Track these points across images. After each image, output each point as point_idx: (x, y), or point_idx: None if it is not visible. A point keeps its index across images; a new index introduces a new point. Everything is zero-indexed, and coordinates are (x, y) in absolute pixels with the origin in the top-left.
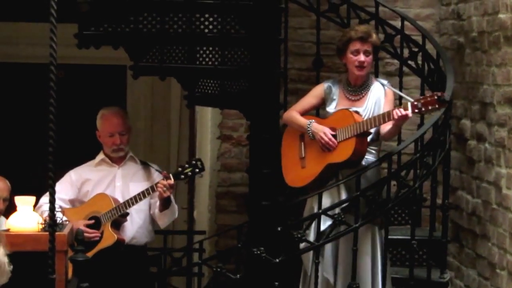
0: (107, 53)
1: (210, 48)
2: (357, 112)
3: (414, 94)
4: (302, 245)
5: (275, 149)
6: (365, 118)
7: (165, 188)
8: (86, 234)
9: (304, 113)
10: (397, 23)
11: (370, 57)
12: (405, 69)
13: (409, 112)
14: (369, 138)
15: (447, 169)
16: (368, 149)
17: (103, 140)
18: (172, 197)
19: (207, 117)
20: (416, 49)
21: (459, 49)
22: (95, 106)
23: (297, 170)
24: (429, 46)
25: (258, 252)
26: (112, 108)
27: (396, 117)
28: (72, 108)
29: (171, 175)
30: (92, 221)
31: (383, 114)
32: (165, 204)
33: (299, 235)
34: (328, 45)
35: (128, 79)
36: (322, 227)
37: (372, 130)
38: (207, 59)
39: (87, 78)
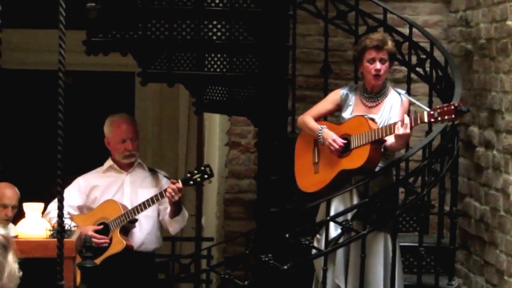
0: (116, 59)
1: (218, 55)
2: (372, 119)
3: (422, 101)
4: (314, 251)
5: (283, 156)
6: (380, 126)
7: (173, 193)
8: (95, 240)
9: (319, 118)
10: (405, 30)
11: (386, 64)
12: (413, 76)
13: (425, 121)
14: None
15: (455, 176)
16: (384, 156)
17: (114, 147)
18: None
19: (215, 124)
20: (424, 56)
21: (467, 56)
22: (104, 112)
23: (310, 175)
24: (437, 53)
25: (266, 258)
26: (120, 114)
27: (396, 131)
28: (81, 114)
29: (180, 181)
30: (100, 227)
31: (399, 122)
32: (176, 210)
33: (306, 242)
34: (336, 52)
35: (137, 86)
36: (334, 234)
37: (388, 138)
38: (215, 66)
39: (95, 85)
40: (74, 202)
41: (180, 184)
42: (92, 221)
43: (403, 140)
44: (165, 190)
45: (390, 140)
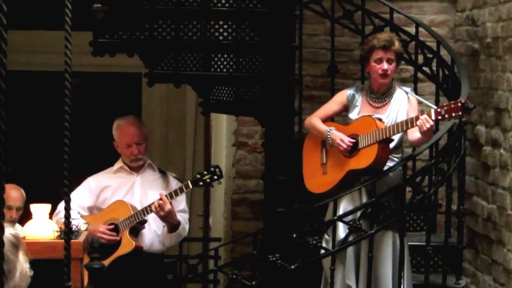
0: (122, 60)
1: (225, 55)
2: (379, 119)
3: (429, 100)
4: (322, 251)
5: (290, 156)
6: (387, 125)
7: (159, 208)
8: (104, 237)
9: (326, 119)
10: (412, 30)
11: (394, 64)
12: (419, 75)
13: (432, 119)
14: (391, 145)
15: (462, 175)
16: (390, 156)
17: (121, 151)
18: (185, 216)
19: (222, 124)
20: (430, 55)
21: (474, 55)
22: (111, 113)
23: (318, 176)
24: (443, 52)
25: (274, 258)
26: (127, 118)
27: (419, 124)
28: (88, 115)
29: (189, 182)
30: (111, 226)
31: (406, 121)
32: (170, 228)
33: (314, 242)
34: (342, 51)
35: (143, 87)
36: (343, 235)
37: (395, 137)
38: (222, 66)
39: (102, 86)
40: (84, 202)
41: (168, 206)
42: (102, 222)
43: (427, 132)
44: (174, 192)
45: (414, 135)
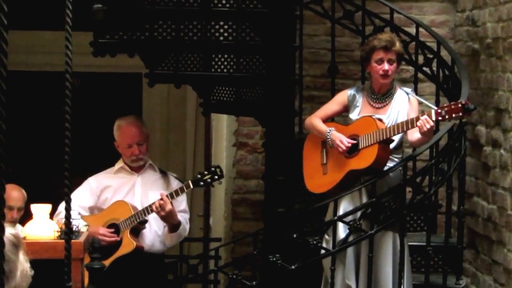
0: (123, 61)
1: (226, 56)
2: (380, 120)
3: (429, 101)
4: (323, 251)
5: (291, 156)
6: (387, 126)
7: (159, 208)
8: (105, 239)
9: (326, 120)
10: (412, 30)
11: (394, 65)
12: (420, 75)
13: (432, 119)
14: (392, 146)
15: (463, 175)
16: (390, 157)
17: (122, 151)
18: (186, 216)
19: (223, 125)
20: (431, 56)
21: (474, 56)
22: (111, 114)
23: (319, 176)
24: (444, 53)
25: (274, 259)
26: (128, 118)
27: (419, 125)
28: (89, 116)
29: (190, 182)
30: (112, 230)
31: (407, 121)
32: (171, 228)
33: (314, 242)
34: (343, 52)
35: (144, 87)
36: (343, 235)
37: (396, 138)
38: (222, 67)
39: (103, 86)
40: (85, 203)
41: (169, 205)
42: (102, 222)
43: (427, 133)
44: (175, 192)
45: (414, 136)
